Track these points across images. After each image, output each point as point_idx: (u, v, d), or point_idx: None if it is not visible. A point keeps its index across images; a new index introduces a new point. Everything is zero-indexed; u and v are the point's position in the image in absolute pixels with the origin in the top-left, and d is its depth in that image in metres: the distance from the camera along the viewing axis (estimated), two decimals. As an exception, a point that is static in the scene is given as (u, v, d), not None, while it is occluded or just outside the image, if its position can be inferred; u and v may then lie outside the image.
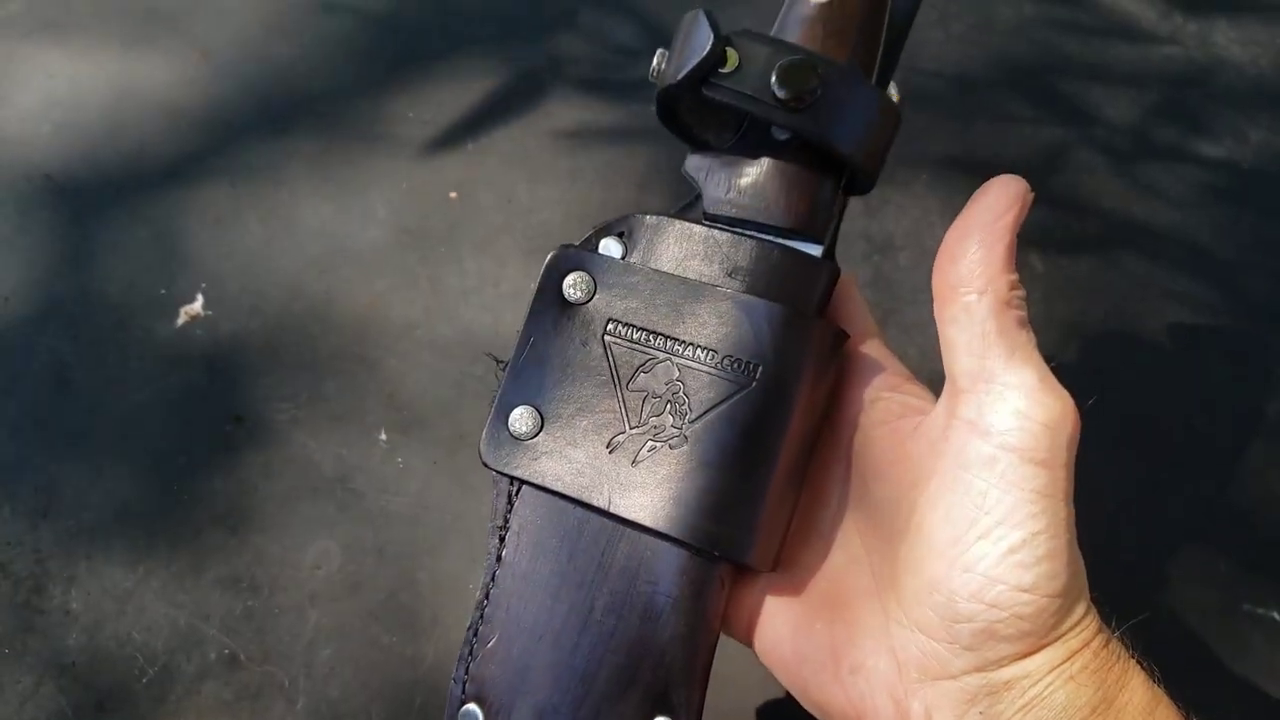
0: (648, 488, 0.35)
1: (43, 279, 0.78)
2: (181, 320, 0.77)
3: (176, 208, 0.81)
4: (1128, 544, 0.73)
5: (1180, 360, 0.78)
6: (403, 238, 0.81)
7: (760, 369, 0.35)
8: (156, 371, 0.75)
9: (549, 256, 0.39)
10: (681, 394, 0.36)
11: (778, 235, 0.39)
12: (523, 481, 0.37)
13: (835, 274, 0.39)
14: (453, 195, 0.83)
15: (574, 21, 0.91)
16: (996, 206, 0.34)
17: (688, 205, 0.41)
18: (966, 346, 0.34)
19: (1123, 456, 0.75)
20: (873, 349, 0.41)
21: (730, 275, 0.37)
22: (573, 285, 0.38)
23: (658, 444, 0.35)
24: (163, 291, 0.78)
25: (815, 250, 0.39)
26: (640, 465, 0.35)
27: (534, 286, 0.40)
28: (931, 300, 0.37)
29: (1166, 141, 0.88)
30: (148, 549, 0.69)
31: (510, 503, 0.37)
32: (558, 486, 0.36)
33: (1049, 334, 0.78)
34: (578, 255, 0.39)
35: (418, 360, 0.77)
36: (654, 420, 0.36)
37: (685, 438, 0.35)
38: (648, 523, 0.35)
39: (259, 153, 0.84)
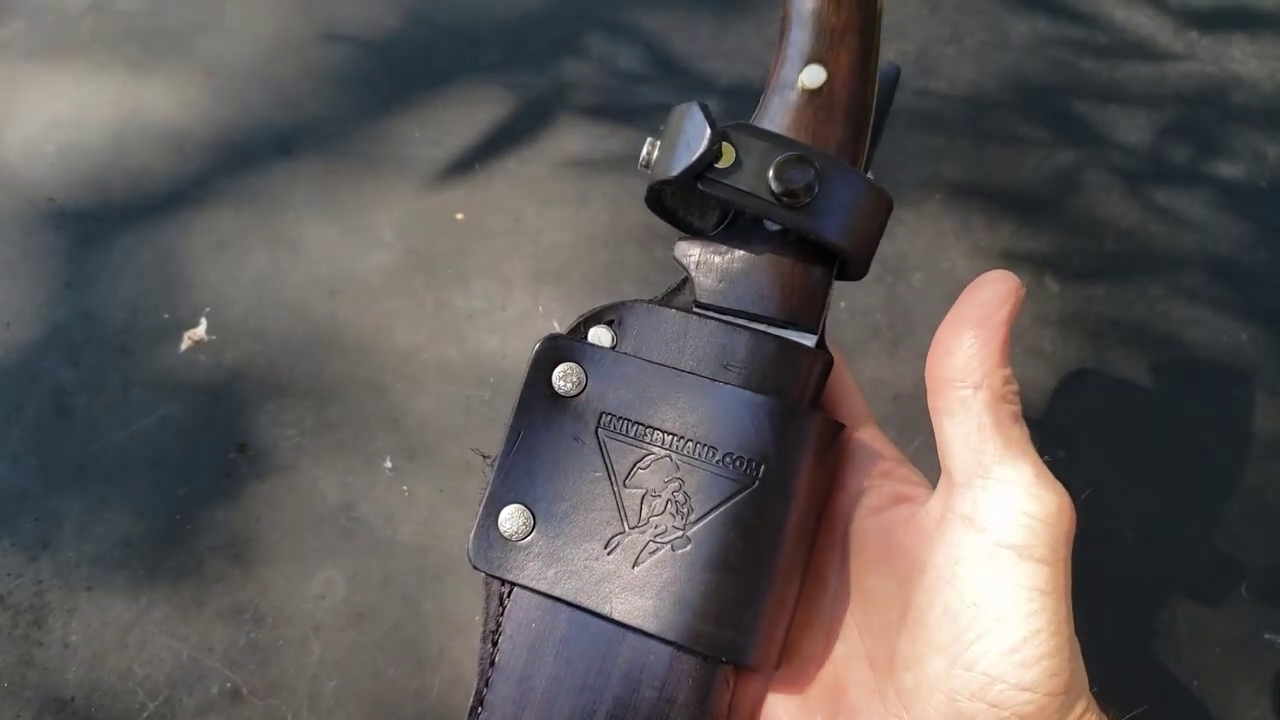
0: (650, 592, 0.34)
1: (45, 304, 0.77)
2: (185, 345, 0.76)
3: (180, 231, 0.80)
4: (1145, 573, 0.71)
5: (1200, 385, 0.77)
6: (409, 260, 0.80)
7: (763, 467, 0.34)
8: (159, 398, 0.74)
9: (536, 347, 0.37)
10: (682, 492, 0.35)
11: (771, 325, 0.38)
12: (514, 584, 0.35)
13: (829, 364, 0.38)
14: (459, 217, 0.82)
15: (580, 47, 0.90)
16: (991, 302, 0.34)
17: (676, 289, 0.40)
18: (963, 440, 0.33)
19: (1141, 483, 0.74)
20: (865, 434, 0.40)
21: (725, 367, 0.36)
22: (563, 377, 0.36)
23: (659, 545, 0.34)
24: (166, 316, 0.77)
25: (809, 340, 0.38)
26: (641, 568, 0.34)
27: (522, 379, 0.38)
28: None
29: (1182, 161, 0.86)
30: (149, 580, 0.68)
31: (502, 604, 0.35)
32: (554, 591, 0.34)
33: (1065, 358, 0.76)
34: (567, 346, 0.37)
35: (424, 385, 0.76)
36: (655, 520, 0.34)
37: (688, 539, 0.34)
38: (653, 630, 0.33)
39: (264, 175, 0.83)
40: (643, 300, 0.38)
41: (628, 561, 0.34)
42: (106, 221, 0.80)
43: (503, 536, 0.35)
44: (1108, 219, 0.83)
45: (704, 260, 0.39)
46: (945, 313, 0.39)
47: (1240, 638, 0.70)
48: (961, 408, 0.33)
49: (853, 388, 0.41)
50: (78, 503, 0.70)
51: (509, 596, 0.35)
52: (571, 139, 0.85)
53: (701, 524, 0.34)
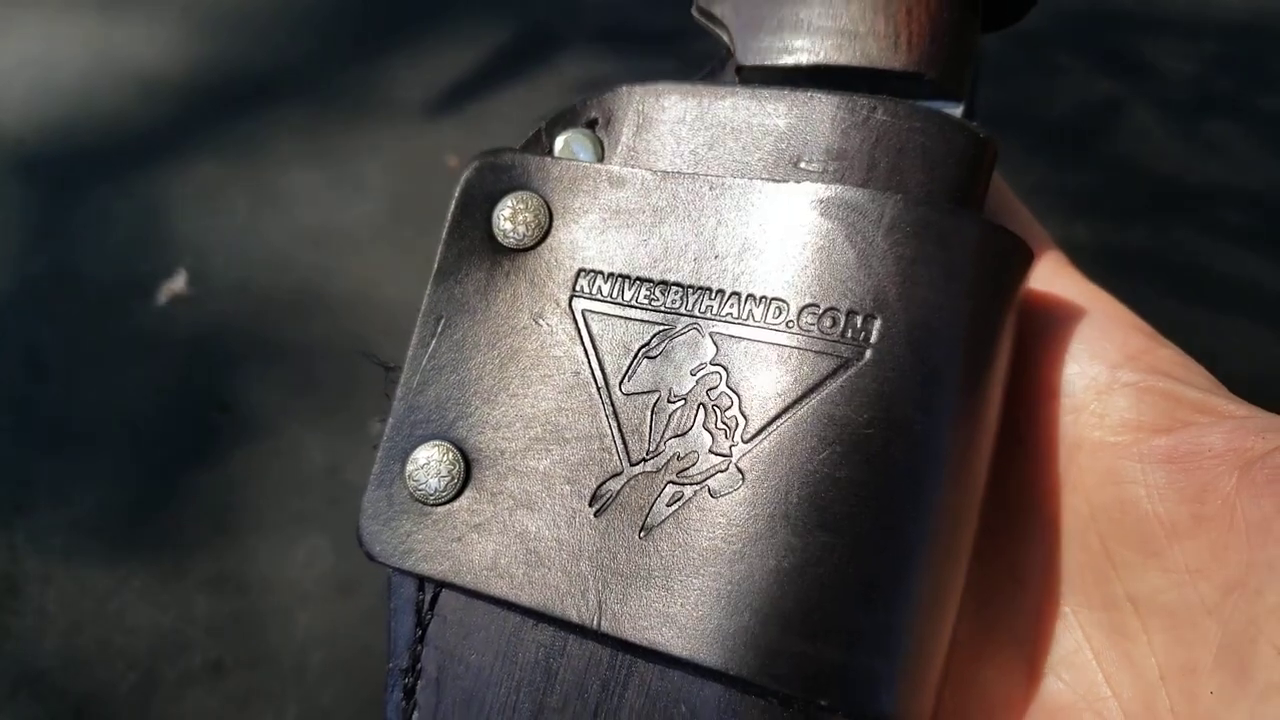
0: (673, 578, 0.19)
1: (15, 255, 0.73)
2: (163, 299, 0.72)
3: (157, 179, 0.76)
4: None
5: (1239, 342, 0.72)
6: (398, 209, 0.76)
7: (878, 326, 0.20)
8: (137, 355, 0.70)
9: (466, 172, 0.23)
10: (725, 389, 0.20)
11: (880, 88, 0.22)
12: (440, 584, 0.21)
13: (993, 150, 0.22)
14: (452, 162, 0.77)
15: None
16: None
17: (707, 76, 0.26)
18: None
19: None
20: (1067, 283, 0.23)
21: (798, 163, 0.22)
22: (511, 217, 0.22)
23: (685, 488, 0.20)
24: (143, 269, 0.73)
25: (953, 110, 0.23)
26: (656, 534, 0.20)
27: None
28: None
29: (1226, 95, 0.80)
30: (129, 547, 0.65)
31: (422, 624, 0.21)
32: (500, 589, 0.20)
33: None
34: (515, 165, 0.23)
35: (415, 341, 0.72)
36: (676, 444, 0.20)
37: (740, 473, 0.20)
38: (680, 652, 0.19)
39: (244, 120, 0.78)
40: (647, 84, 0.23)
41: (630, 524, 0.20)
42: (80, 168, 0.76)
43: (413, 499, 0.21)
44: (1145, 159, 0.77)
45: (745, 2, 0.24)
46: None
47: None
48: None
49: (1023, 212, 0.25)
50: (53, 465, 0.67)
51: (432, 609, 0.21)
52: (576, 70, 0.80)
53: (761, 442, 0.20)
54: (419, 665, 0.21)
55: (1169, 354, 0.22)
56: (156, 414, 0.69)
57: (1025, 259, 0.21)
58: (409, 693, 0.21)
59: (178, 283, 0.72)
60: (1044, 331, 0.22)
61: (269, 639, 0.63)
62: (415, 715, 0.21)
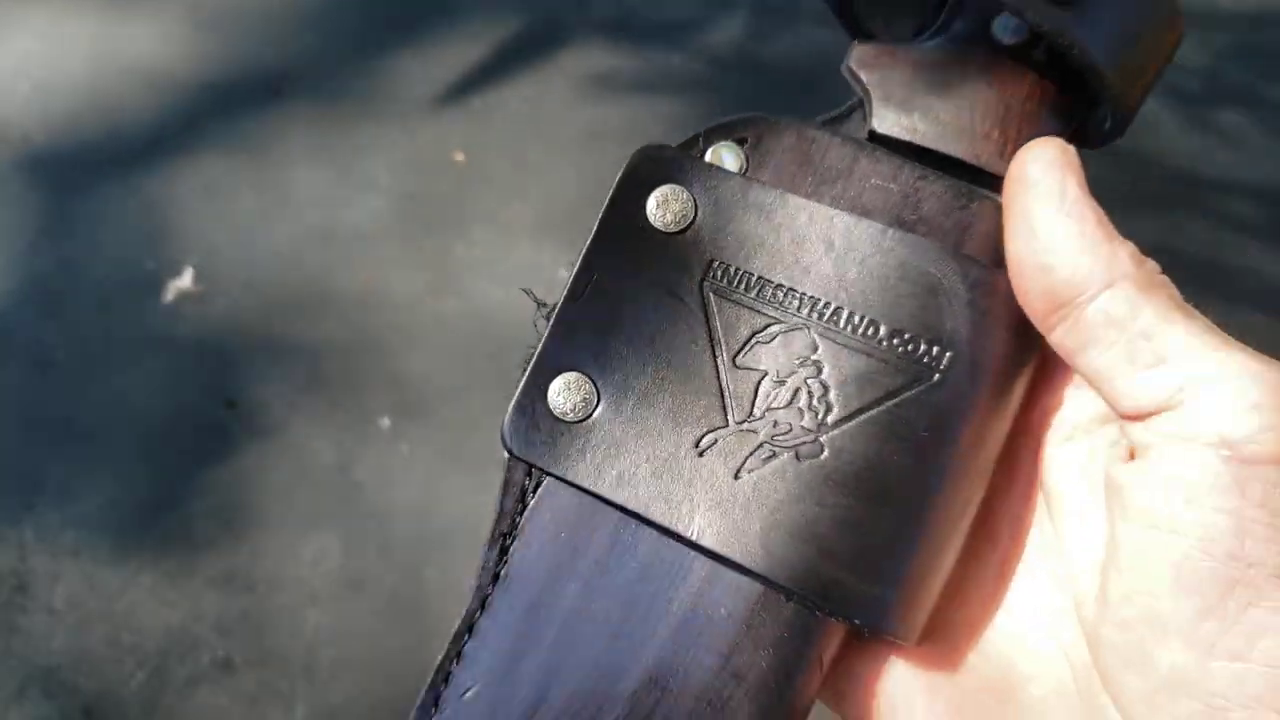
0: (754, 512, 0.26)
1: (21, 253, 0.73)
2: (170, 297, 0.72)
3: (164, 175, 0.76)
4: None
5: (1251, 337, 0.71)
6: (405, 205, 0.75)
7: (947, 356, 0.26)
8: (144, 353, 0.70)
9: (630, 159, 0.27)
10: (819, 380, 0.26)
11: (979, 183, 0.28)
12: (552, 476, 0.26)
13: None
14: (458, 158, 0.77)
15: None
16: (1049, 180, 0.25)
17: (837, 118, 0.30)
18: (1128, 360, 0.24)
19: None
20: None
21: (903, 222, 0.27)
22: (662, 205, 0.27)
23: (777, 450, 0.26)
24: (150, 266, 0.73)
25: None
26: (746, 479, 0.26)
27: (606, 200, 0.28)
28: None
29: (1238, 86, 0.80)
30: (137, 545, 0.65)
31: (524, 500, 0.27)
32: (617, 497, 0.26)
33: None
34: (673, 161, 0.27)
35: (422, 339, 0.71)
36: (774, 415, 0.26)
37: (821, 446, 0.26)
38: (751, 564, 0.25)
39: (252, 117, 0.78)
40: (792, 118, 0.28)
41: (726, 468, 0.26)
42: (86, 165, 0.76)
43: (552, 414, 0.26)
44: (1155, 150, 0.77)
45: (889, 76, 0.29)
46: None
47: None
48: (1103, 326, 0.24)
49: None
50: (61, 462, 0.67)
51: (535, 490, 0.26)
52: (583, 64, 0.80)
53: (845, 428, 0.26)
54: (515, 531, 0.26)
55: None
56: (164, 411, 0.69)
57: None
58: (504, 551, 0.26)
59: (185, 280, 0.72)
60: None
61: (278, 637, 0.63)
62: (507, 568, 0.26)
